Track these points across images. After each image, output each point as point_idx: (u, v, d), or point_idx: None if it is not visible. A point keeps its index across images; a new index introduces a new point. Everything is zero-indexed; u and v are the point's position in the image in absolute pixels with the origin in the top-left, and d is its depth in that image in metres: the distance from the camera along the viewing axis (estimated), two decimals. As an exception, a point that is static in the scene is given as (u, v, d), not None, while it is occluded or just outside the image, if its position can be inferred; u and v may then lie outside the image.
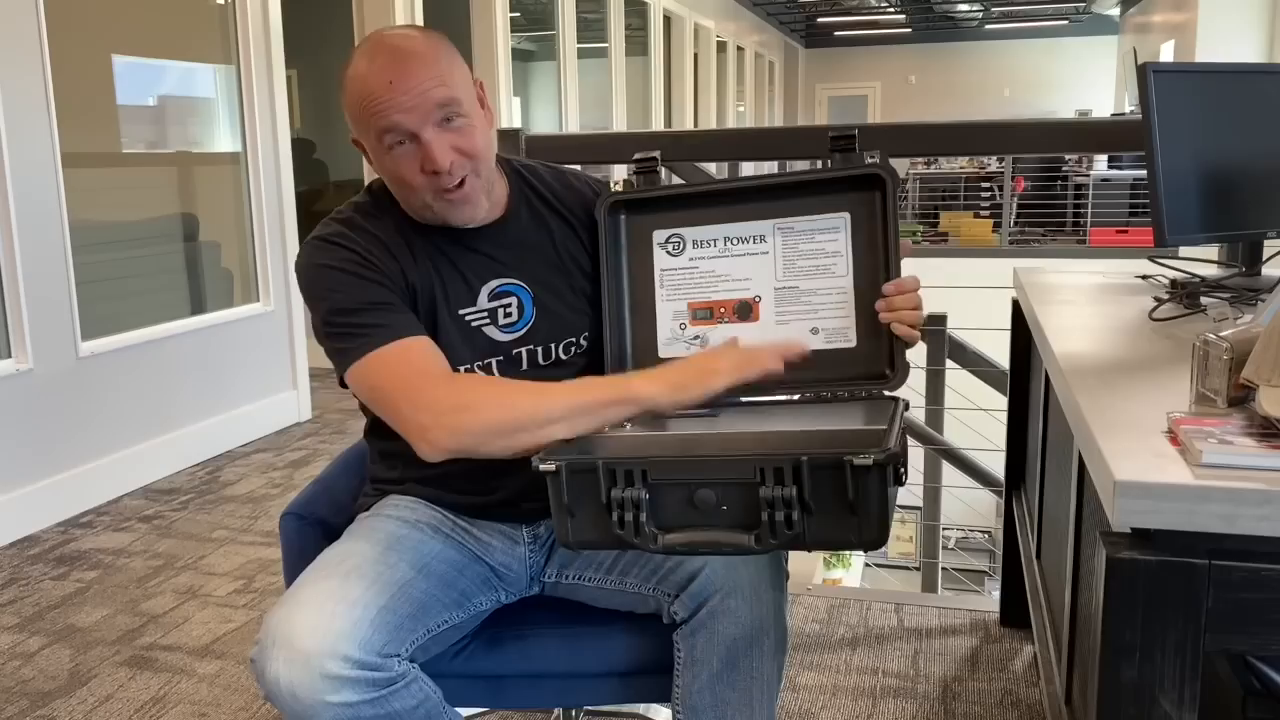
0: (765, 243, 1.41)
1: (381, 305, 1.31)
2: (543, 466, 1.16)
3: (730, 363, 1.31)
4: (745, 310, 1.41)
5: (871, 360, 1.36)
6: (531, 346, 1.41)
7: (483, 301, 1.40)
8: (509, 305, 1.40)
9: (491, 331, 1.39)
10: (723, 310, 1.42)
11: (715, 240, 1.42)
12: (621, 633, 1.39)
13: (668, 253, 1.44)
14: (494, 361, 1.40)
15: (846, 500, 1.10)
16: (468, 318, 1.39)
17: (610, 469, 1.15)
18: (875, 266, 1.36)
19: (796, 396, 1.42)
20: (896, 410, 1.27)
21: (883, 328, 1.35)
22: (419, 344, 1.31)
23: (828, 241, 1.39)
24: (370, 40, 1.33)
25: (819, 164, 1.42)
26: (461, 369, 1.37)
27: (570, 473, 1.16)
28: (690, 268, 1.43)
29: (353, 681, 1.16)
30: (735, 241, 1.42)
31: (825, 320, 1.39)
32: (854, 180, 1.37)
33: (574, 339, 1.44)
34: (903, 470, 1.18)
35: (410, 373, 1.28)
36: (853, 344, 1.37)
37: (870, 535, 1.12)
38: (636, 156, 1.46)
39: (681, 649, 1.30)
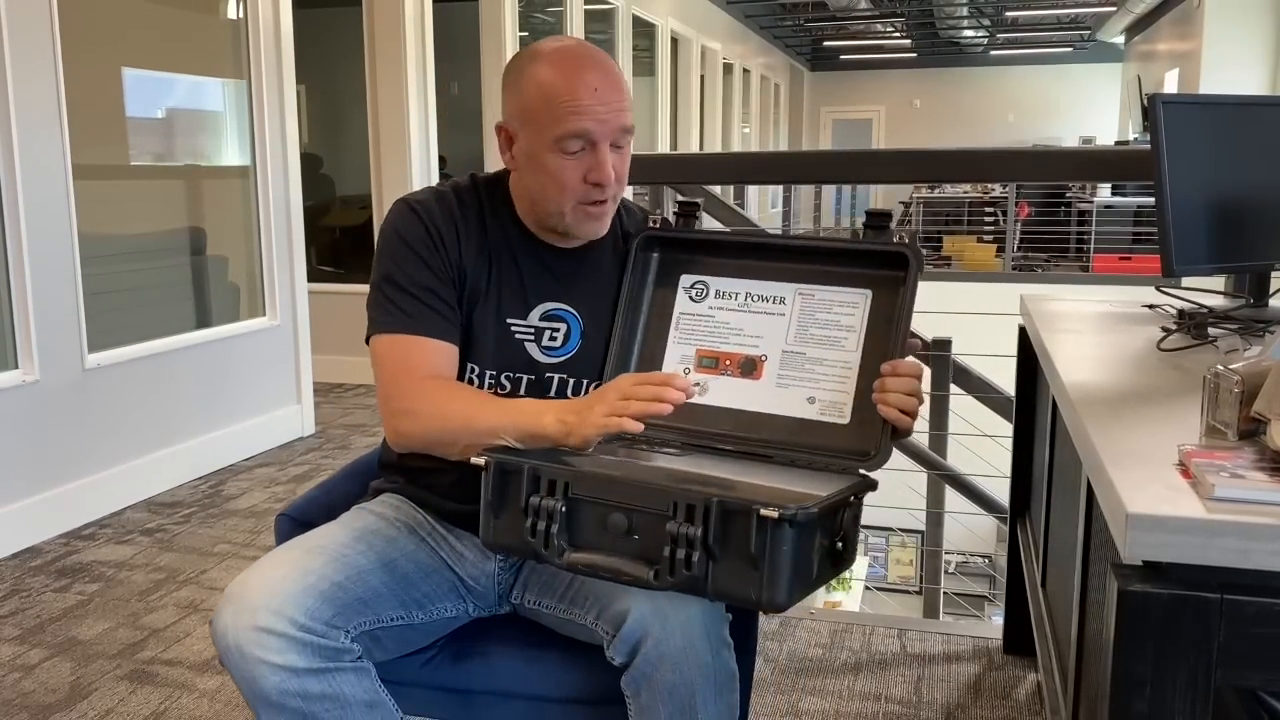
0: (784, 305, 1.41)
1: (424, 292, 1.37)
2: (474, 459, 1.21)
3: (600, 416, 1.21)
4: (749, 366, 1.41)
5: (860, 439, 1.33)
6: (564, 376, 1.43)
7: (533, 318, 1.43)
8: (557, 330, 1.43)
9: (532, 349, 1.42)
10: (728, 362, 1.42)
11: (738, 294, 1.44)
12: (585, 661, 1.37)
13: (690, 298, 1.46)
14: (525, 379, 1.42)
15: (749, 552, 1.09)
16: (513, 328, 1.42)
17: (535, 474, 1.18)
18: (884, 348, 1.34)
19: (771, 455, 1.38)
20: (852, 485, 1.23)
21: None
22: (430, 345, 1.37)
23: (844, 315, 1.38)
24: (565, 44, 1.37)
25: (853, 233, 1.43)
26: (488, 374, 1.41)
27: (499, 471, 1.20)
28: (708, 315, 1.44)
29: (297, 644, 1.19)
30: (756, 299, 1.43)
31: (824, 392, 1.37)
32: (882, 258, 1.36)
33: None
34: (841, 546, 1.17)
35: (400, 368, 1.37)
36: (845, 420, 1.35)
37: (770, 596, 1.10)
38: (680, 200, 1.51)
39: (630, 699, 1.29)
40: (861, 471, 1.30)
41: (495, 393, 1.41)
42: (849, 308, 1.38)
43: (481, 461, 1.20)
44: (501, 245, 1.42)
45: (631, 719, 1.30)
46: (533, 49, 1.37)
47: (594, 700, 1.37)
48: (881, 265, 1.37)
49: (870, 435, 1.32)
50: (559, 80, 1.31)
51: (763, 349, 1.41)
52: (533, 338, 1.42)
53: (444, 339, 1.38)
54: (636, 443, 1.36)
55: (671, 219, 1.49)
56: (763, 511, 1.07)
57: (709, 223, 1.86)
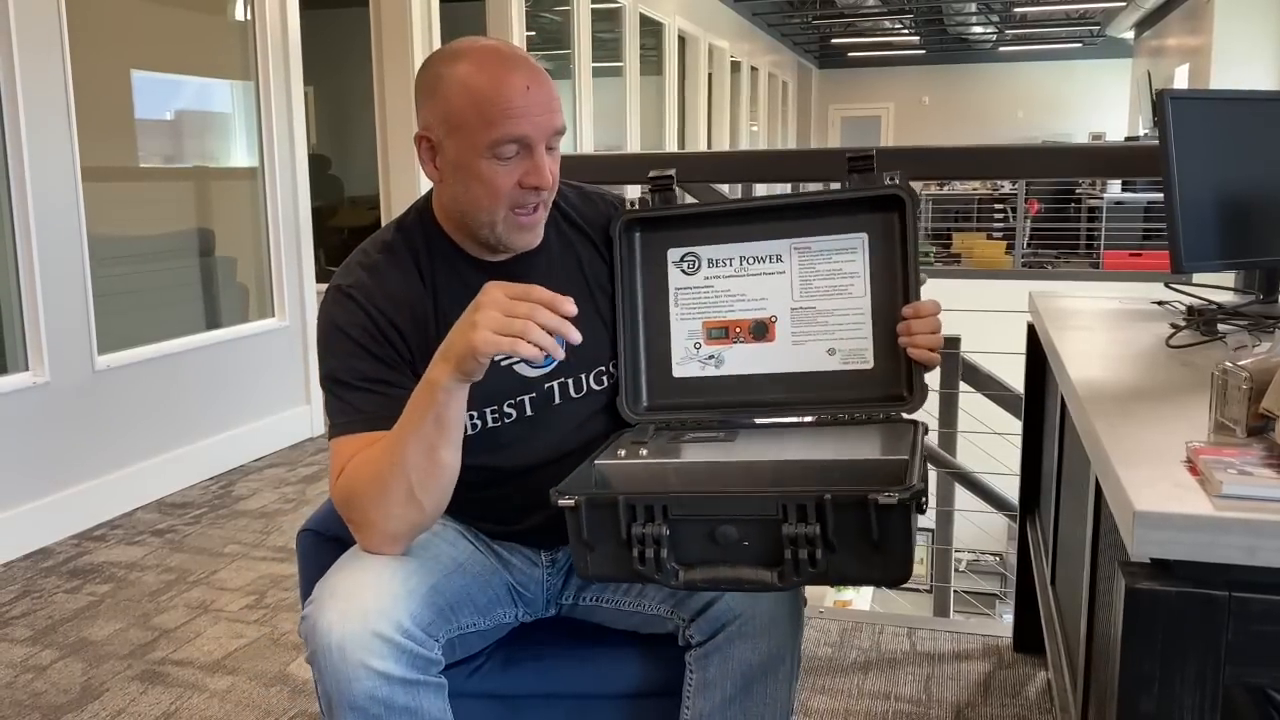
0: (782, 262, 1.39)
1: (372, 384, 1.28)
2: (561, 502, 1.15)
3: (484, 337, 1.12)
4: (761, 330, 1.40)
5: (889, 382, 1.35)
6: (563, 379, 1.39)
7: None
8: None
9: (522, 369, 1.37)
10: (738, 329, 1.40)
11: (731, 259, 1.41)
12: (636, 655, 1.39)
13: (683, 271, 1.43)
14: (526, 399, 1.37)
15: (870, 538, 1.09)
16: (499, 358, 1.36)
17: (630, 504, 1.14)
18: (893, 288, 1.35)
19: (812, 418, 1.41)
20: (917, 438, 1.25)
21: (901, 350, 1.33)
22: (371, 439, 1.25)
23: (845, 262, 1.37)
24: (486, 43, 1.28)
25: (836, 185, 1.42)
26: (489, 410, 1.35)
27: (590, 508, 1.15)
28: (705, 286, 1.42)
29: (398, 650, 1.16)
30: (751, 261, 1.40)
31: (842, 341, 1.37)
32: (872, 201, 1.36)
33: (603, 367, 1.41)
34: (924, 500, 1.17)
35: (342, 480, 1.25)
36: (870, 365, 1.36)
37: (895, 571, 1.11)
38: (652, 174, 1.44)
39: (694, 671, 1.29)
40: (904, 415, 1.32)
41: (503, 423, 1.36)
42: (848, 254, 1.37)
43: (571, 502, 1.15)
44: (452, 283, 1.34)
45: (689, 692, 1.29)
46: (449, 50, 1.28)
47: (641, 694, 1.38)
48: (872, 207, 1.36)
49: (896, 376, 1.34)
50: (487, 82, 1.22)
51: (770, 310, 1.40)
52: (517, 358, 1.39)
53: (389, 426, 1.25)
54: (675, 431, 1.35)
55: (648, 197, 1.44)
56: (881, 500, 1.07)
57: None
